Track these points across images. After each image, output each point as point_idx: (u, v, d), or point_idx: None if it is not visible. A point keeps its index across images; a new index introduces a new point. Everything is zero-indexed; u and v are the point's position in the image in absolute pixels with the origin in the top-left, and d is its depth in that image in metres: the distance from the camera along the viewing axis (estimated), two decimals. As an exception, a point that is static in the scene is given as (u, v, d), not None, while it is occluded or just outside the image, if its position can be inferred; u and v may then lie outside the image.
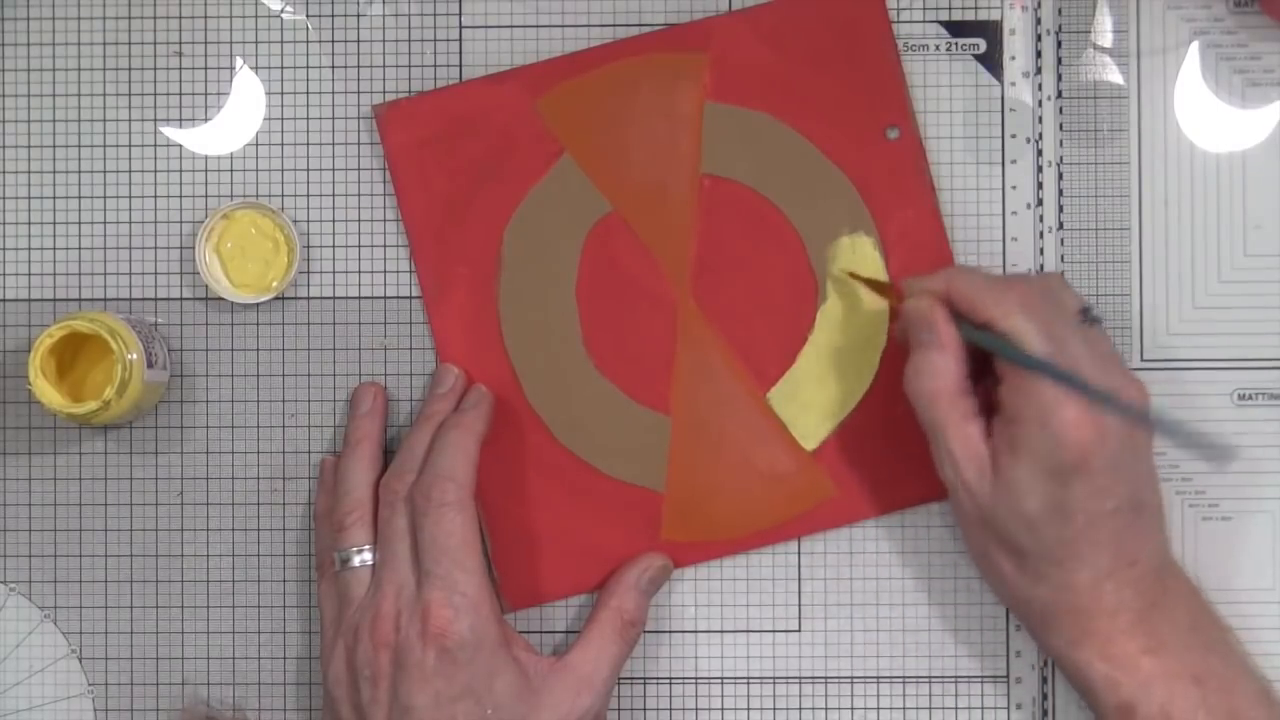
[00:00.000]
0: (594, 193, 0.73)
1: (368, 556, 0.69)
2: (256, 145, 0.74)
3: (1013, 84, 0.74)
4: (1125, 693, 0.66)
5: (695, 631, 0.74)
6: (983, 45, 0.74)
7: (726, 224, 0.73)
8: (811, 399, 0.73)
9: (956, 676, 0.73)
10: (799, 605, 0.74)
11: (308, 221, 0.74)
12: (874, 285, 0.72)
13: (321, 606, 0.71)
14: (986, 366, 0.68)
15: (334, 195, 0.74)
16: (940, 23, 0.74)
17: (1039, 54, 0.73)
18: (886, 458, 0.73)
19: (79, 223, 0.74)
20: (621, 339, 0.73)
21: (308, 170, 0.74)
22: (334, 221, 0.74)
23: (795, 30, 0.73)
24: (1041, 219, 0.73)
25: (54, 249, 0.74)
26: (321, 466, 0.73)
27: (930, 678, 0.73)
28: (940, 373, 0.67)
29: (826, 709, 0.74)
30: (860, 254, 0.73)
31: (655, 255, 0.73)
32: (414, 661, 0.66)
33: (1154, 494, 0.68)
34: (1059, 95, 0.73)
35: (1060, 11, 0.73)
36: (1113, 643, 0.66)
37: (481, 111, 0.73)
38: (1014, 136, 0.74)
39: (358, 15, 0.74)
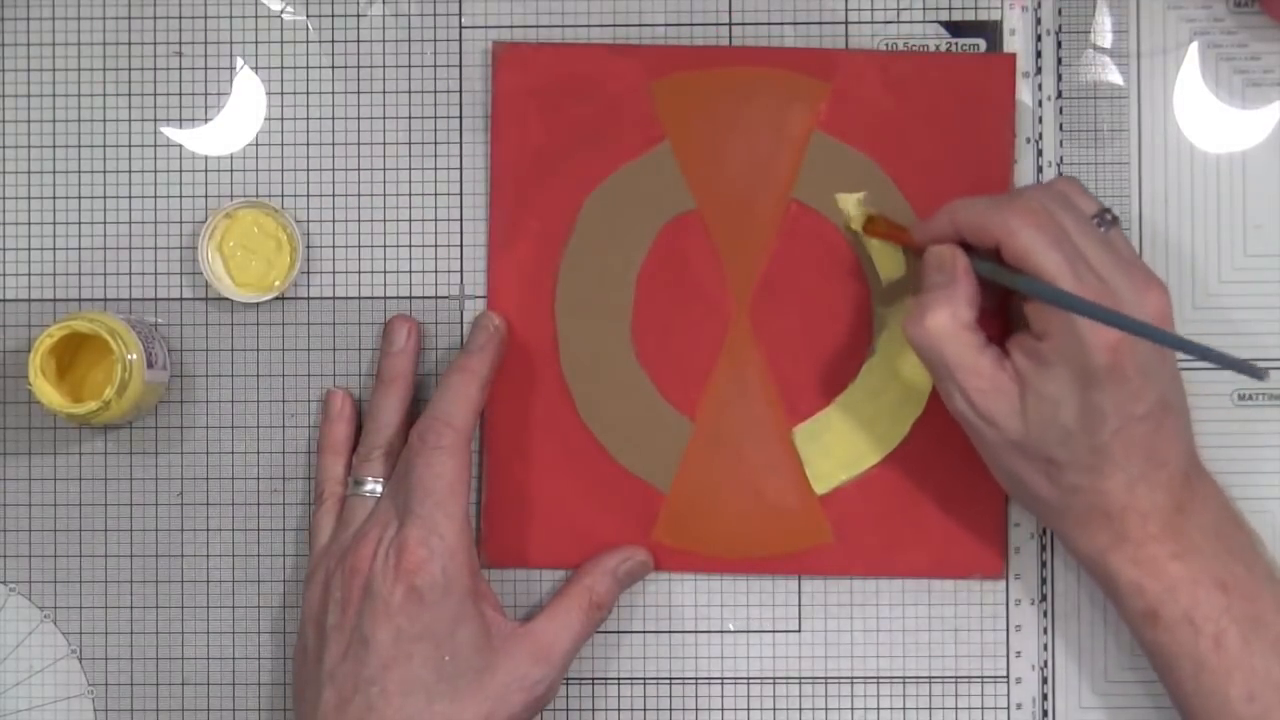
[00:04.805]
0: (682, 186, 0.73)
1: (378, 489, 0.70)
2: (256, 146, 0.74)
3: (1013, 84, 0.74)
4: (1151, 598, 0.66)
5: (695, 632, 0.74)
6: (983, 45, 0.74)
7: (802, 253, 0.73)
8: (834, 445, 0.73)
9: (956, 676, 0.73)
10: (799, 605, 0.74)
11: (308, 222, 0.74)
12: (888, 232, 0.71)
13: (312, 534, 0.71)
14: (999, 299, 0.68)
15: (334, 195, 0.74)
16: (940, 23, 0.74)
17: (1039, 54, 0.73)
18: (889, 522, 0.73)
19: (79, 223, 0.74)
20: (668, 334, 0.73)
21: (308, 170, 0.74)
22: (334, 222, 0.74)
23: (921, 84, 0.72)
24: (1042, 219, 0.73)
25: (54, 249, 0.74)
26: (329, 397, 0.73)
27: (930, 678, 0.73)
28: (943, 311, 0.66)
29: (826, 709, 0.74)
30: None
31: (724, 263, 0.73)
32: (381, 595, 0.67)
33: (1180, 396, 0.68)
34: (1059, 95, 0.73)
35: (1060, 11, 0.73)
36: (1143, 548, 0.66)
37: (597, 77, 0.73)
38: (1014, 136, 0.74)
39: (358, 15, 0.74)
